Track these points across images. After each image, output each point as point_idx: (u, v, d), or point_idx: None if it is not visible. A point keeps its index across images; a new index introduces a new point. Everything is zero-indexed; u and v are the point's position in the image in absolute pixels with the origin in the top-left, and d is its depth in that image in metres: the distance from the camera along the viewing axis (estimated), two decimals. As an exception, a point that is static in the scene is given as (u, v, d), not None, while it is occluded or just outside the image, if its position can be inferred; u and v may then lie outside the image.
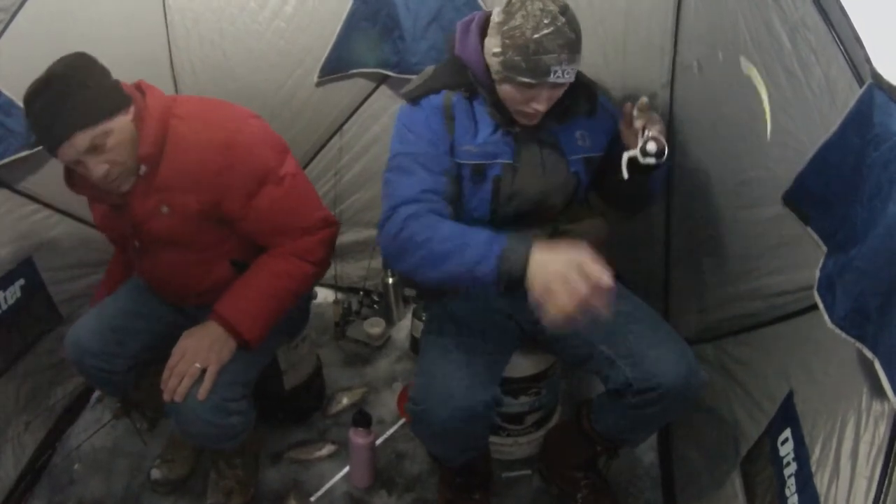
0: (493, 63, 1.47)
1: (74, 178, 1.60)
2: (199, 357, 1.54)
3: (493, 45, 1.45)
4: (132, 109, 1.51)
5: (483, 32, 1.53)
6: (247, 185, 1.58)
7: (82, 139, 1.42)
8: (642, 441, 1.79)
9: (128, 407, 2.12)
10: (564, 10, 1.41)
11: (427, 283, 1.44)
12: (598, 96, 1.65)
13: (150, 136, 1.51)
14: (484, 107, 1.57)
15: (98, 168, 1.46)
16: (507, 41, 1.41)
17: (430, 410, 1.49)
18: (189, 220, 1.60)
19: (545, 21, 1.38)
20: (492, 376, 1.56)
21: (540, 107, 1.48)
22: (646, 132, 1.49)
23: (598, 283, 1.19)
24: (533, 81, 1.42)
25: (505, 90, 1.49)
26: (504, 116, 1.55)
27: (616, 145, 1.62)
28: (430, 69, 1.63)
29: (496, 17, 1.45)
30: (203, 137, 1.55)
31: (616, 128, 1.63)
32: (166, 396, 1.54)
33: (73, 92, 1.40)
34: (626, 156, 1.52)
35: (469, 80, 1.56)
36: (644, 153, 1.48)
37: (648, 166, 1.49)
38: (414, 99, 1.58)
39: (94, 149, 1.44)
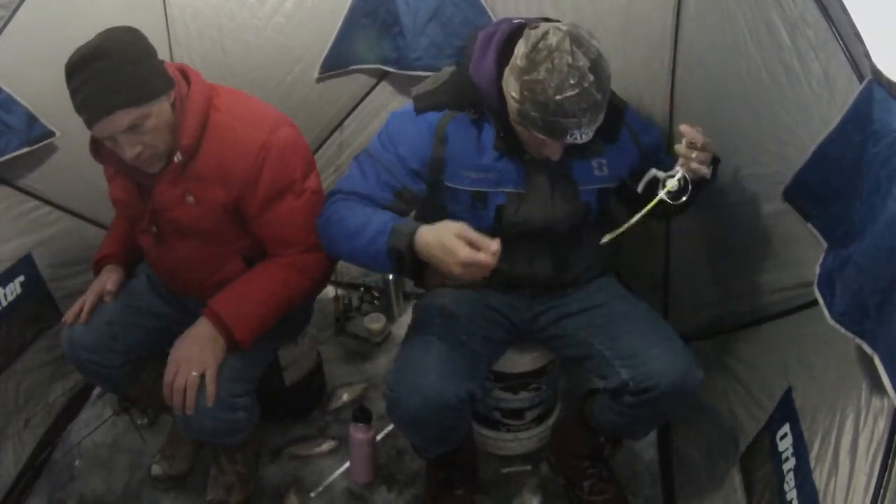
0: (510, 103, 1.37)
1: (101, 149, 1.58)
2: (193, 365, 1.54)
3: (511, 88, 1.34)
4: (173, 93, 1.49)
5: (502, 55, 1.41)
6: (271, 189, 1.57)
7: (123, 118, 1.39)
8: (644, 436, 1.80)
9: (127, 403, 2.12)
10: (595, 66, 1.28)
11: (340, 257, 1.55)
12: (623, 119, 1.55)
13: (193, 125, 1.51)
14: (492, 131, 1.50)
15: (132, 148, 1.44)
16: (527, 93, 1.30)
17: (402, 398, 1.49)
18: (212, 213, 1.60)
19: (571, 81, 1.26)
20: (470, 371, 1.54)
21: (553, 156, 1.43)
22: (677, 167, 1.37)
23: (480, 245, 1.27)
24: (547, 140, 1.36)
25: (519, 130, 1.42)
26: (510, 145, 1.48)
27: (641, 167, 1.53)
28: (445, 73, 1.56)
29: (519, 61, 1.31)
30: (242, 134, 1.55)
31: (640, 153, 1.59)
32: (178, 412, 1.56)
33: (120, 68, 1.37)
34: (651, 172, 1.41)
35: (478, 101, 1.48)
36: (662, 184, 1.37)
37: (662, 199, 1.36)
38: (418, 109, 1.53)
39: (132, 129, 1.42)
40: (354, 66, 2.27)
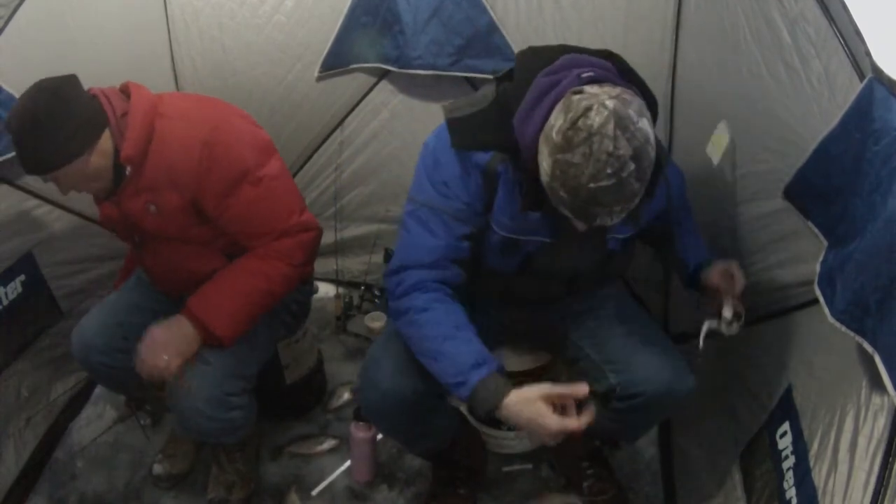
0: (542, 170, 1.20)
1: None
2: (167, 350, 1.56)
3: (543, 159, 1.18)
4: (105, 136, 1.51)
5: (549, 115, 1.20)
6: (223, 183, 1.57)
7: (48, 176, 1.52)
8: (636, 439, 1.80)
9: (134, 405, 2.13)
10: (638, 154, 1.11)
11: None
12: (663, 177, 1.32)
13: (133, 138, 1.52)
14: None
15: (62, 190, 1.56)
16: (559, 173, 1.14)
17: (363, 393, 1.53)
18: (175, 218, 1.60)
19: (608, 171, 1.10)
20: None
21: (581, 229, 1.29)
22: (725, 309, 1.48)
23: (567, 402, 1.33)
24: (574, 220, 1.24)
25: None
26: (536, 201, 1.33)
27: (666, 214, 1.50)
28: (485, 98, 1.37)
29: (555, 135, 1.13)
30: (183, 134, 1.55)
31: (668, 203, 1.46)
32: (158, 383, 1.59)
33: (29, 140, 1.45)
34: (706, 326, 1.52)
35: (515, 147, 1.31)
36: (724, 322, 1.50)
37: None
38: (458, 145, 1.36)
39: (52, 180, 1.53)
40: (355, 65, 2.28)
